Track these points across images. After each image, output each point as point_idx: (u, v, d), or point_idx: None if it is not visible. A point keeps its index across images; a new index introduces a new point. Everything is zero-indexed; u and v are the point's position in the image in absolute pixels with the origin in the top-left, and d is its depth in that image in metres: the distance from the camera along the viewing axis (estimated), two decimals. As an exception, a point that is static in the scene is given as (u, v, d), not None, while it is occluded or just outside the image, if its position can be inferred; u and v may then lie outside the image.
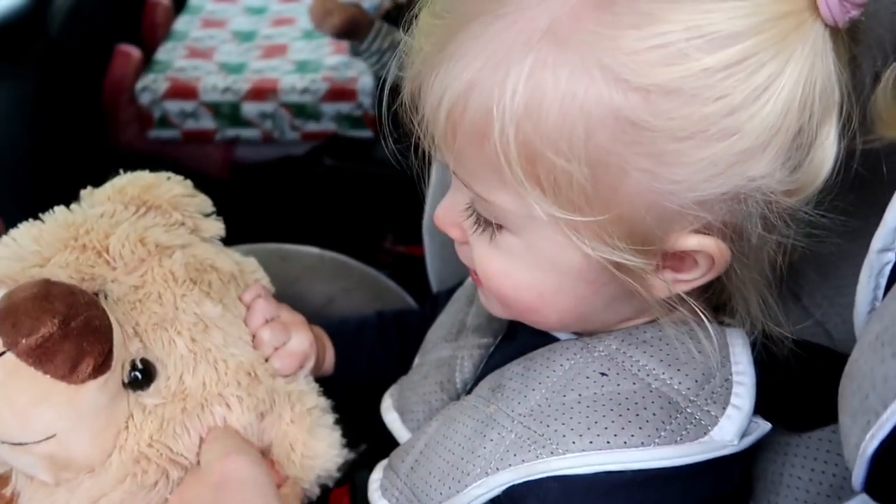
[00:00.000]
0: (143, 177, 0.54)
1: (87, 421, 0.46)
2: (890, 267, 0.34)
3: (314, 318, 0.63)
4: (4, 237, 0.51)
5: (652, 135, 0.34)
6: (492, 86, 0.34)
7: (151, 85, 1.31)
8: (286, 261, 0.75)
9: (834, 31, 0.34)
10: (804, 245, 0.38)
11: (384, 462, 0.52)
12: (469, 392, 0.50)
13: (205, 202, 0.56)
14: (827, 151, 0.35)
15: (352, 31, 1.02)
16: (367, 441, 0.59)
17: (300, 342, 0.55)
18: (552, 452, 0.39)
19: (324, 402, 0.55)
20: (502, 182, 0.36)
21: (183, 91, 1.31)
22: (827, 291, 0.47)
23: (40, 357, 0.43)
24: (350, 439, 0.59)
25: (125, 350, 0.47)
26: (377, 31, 1.02)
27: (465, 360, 0.54)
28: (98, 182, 0.57)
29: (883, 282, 0.35)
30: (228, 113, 1.32)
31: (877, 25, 0.35)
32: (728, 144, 0.34)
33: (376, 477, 0.51)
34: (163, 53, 1.40)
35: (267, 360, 0.53)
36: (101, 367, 0.44)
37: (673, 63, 0.32)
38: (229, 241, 0.62)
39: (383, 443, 0.55)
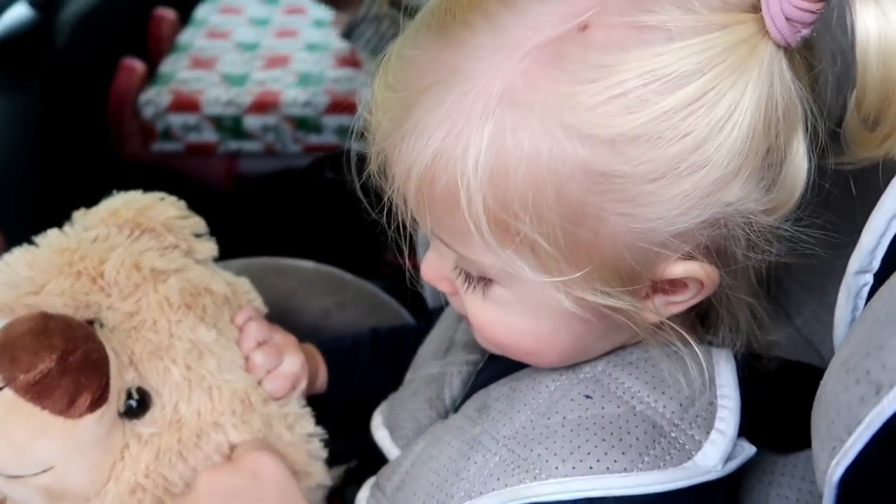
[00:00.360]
0: (137, 199, 0.54)
1: (83, 453, 0.46)
2: (867, 289, 0.34)
3: (309, 332, 0.63)
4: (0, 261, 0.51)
5: (623, 180, 0.34)
6: (454, 158, 0.34)
7: (155, 98, 1.32)
8: (282, 275, 0.76)
9: (788, 49, 0.34)
10: (790, 261, 0.38)
11: (372, 479, 0.52)
12: (457, 409, 0.50)
13: (198, 223, 0.56)
14: (798, 166, 0.36)
15: None
16: (359, 456, 0.59)
17: (292, 364, 0.55)
18: (535, 477, 0.39)
19: (321, 431, 0.55)
20: (482, 244, 0.36)
21: (186, 104, 1.32)
22: (816, 309, 0.47)
23: (38, 393, 0.43)
24: (341, 454, 0.60)
25: (121, 380, 0.47)
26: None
27: (454, 376, 0.55)
28: (102, 195, 0.58)
29: (861, 303, 0.35)
30: (231, 126, 1.33)
31: (824, 31, 0.36)
32: (699, 177, 0.34)
33: (363, 495, 0.51)
34: (167, 66, 1.42)
35: (259, 383, 0.53)
36: (98, 400, 0.44)
37: (634, 110, 0.33)
38: (231, 252, 0.62)
39: (375, 458, 0.55)
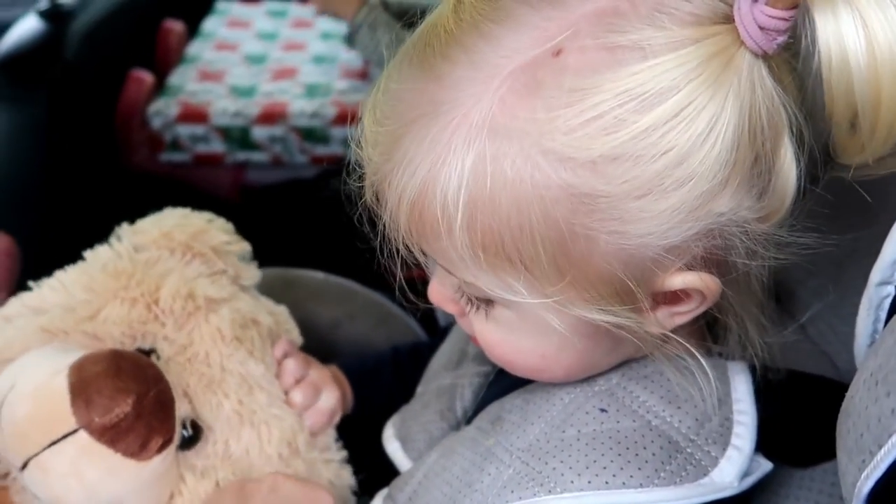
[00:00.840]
0: (192, 222, 0.54)
1: (148, 490, 0.46)
2: (889, 300, 0.34)
3: (319, 342, 0.63)
4: (52, 280, 0.51)
5: (609, 200, 0.34)
6: (439, 187, 0.35)
7: (163, 109, 1.33)
8: (291, 286, 0.75)
9: (766, 56, 0.34)
10: (789, 263, 0.38)
11: (384, 491, 0.52)
12: (469, 421, 0.50)
13: (245, 248, 0.56)
14: (787, 172, 0.36)
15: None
16: (369, 469, 0.59)
17: (329, 399, 0.56)
18: (550, 491, 0.39)
19: (344, 455, 0.55)
20: (475, 269, 0.37)
21: (194, 115, 1.33)
22: (831, 321, 0.47)
23: (113, 437, 0.42)
24: (353, 466, 0.59)
25: (178, 413, 0.47)
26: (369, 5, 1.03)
27: (466, 388, 0.54)
28: (110, 205, 0.57)
29: (883, 315, 0.34)
30: (238, 137, 1.33)
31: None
32: (686, 191, 0.34)
33: (377, 502, 0.51)
34: (175, 78, 1.42)
35: (303, 430, 0.53)
36: (167, 442, 0.45)
37: (612, 131, 0.33)
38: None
39: (385, 471, 0.55)
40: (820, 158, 0.37)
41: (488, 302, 0.40)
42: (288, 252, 0.84)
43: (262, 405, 0.49)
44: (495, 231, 0.35)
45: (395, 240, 0.39)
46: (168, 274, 0.50)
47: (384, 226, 0.39)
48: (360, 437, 0.59)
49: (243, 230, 1.22)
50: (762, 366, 0.43)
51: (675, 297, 0.39)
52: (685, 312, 0.39)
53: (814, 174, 0.37)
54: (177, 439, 0.47)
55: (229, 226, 0.56)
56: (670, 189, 0.34)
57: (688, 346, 0.40)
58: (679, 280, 0.37)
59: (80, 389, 0.43)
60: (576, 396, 0.43)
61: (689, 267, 0.37)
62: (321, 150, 1.33)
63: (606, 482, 0.38)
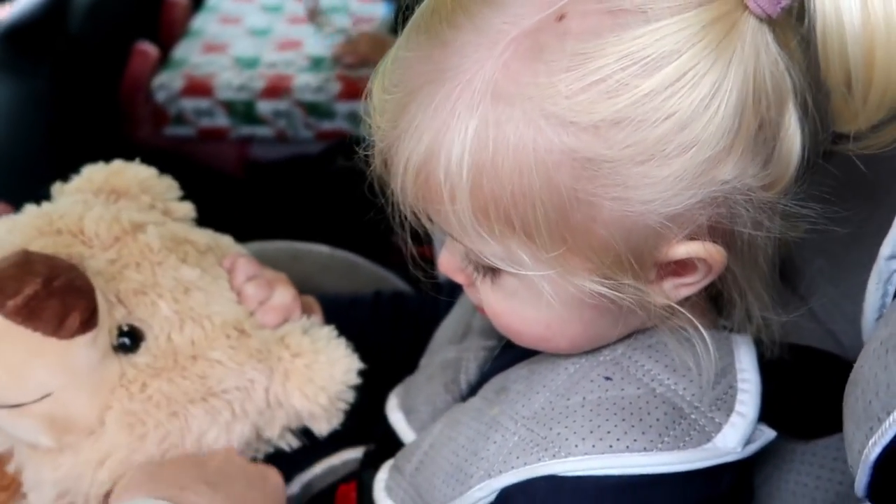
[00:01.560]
0: (110, 165, 0.57)
1: (81, 378, 0.47)
2: (898, 274, 0.34)
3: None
4: None
5: (611, 165, 0.34)
6: (443, 153, 0.35)
7: (168, 83, 1.32)
8: (297, 259, 0.76)
9: (771, 21, 0.34)
10: (796, 238, 0.38)
11: (390, 462, 0.52)
12: (473, 393, 0.51)
13: (172, 186, 0.58)
14: (792, 138, 0.36)
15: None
16: (374, 441, 0.60)
17: (283, 296, 0.56)
18: (554, 455, 0.39)
19: (327, 331, 0.56)
20: (478, 236, 0.37)
21: (198, 89, 1.32)
22: (836, 298, 0.47)
23: (28, 315, 0.45)
24: (357, 439, 0.60)
25: (110, 317, 0.49)
26: None
27: (471, 361, 0.55)
28: None
29: (891, 289, 0.35)
30: (243, 111, 1.33)
31: None
32: (689, 157, 0.34)
33: (382, 477, 0.51)
34: (179, 51, 1.41)
35: (252, 315, 0.54)
36: (88, 322, 0.46)
37: (614, 95, 0.33)
38: (243, 237, 0.63)
39: (389, 443, 0.55)
40: (821, 126, 0.37)
41: (494, 271, 0.40)
42: (292, 227, 0.85)
43: (201, 303, 0.51)
44: (498, 196, 0.35)
45: (404, 207, 0.39)
46: (91, 208, 0.53)
47: (392, 193, 0.39)
48: (364, 408, 0.60)
49: (248, 205, 1.22)
50: (769, 340, 0.43)
51: (680, 268, 0.39)
52: (691, 284, 0.39)
53: (820, 144, 0.37)
54: (112, 339, 0.49)
55: (152, 168, 0.58)
56: (673, 155, 0.34)
57: (692, 318, 0.40)
58: (683, 249, 0.37)
59: None
60: (581, 366, 0.43)
61: (694, 236, 0.37)
62: (326, 126, 1.33)
63: (610, 446, 0.39)
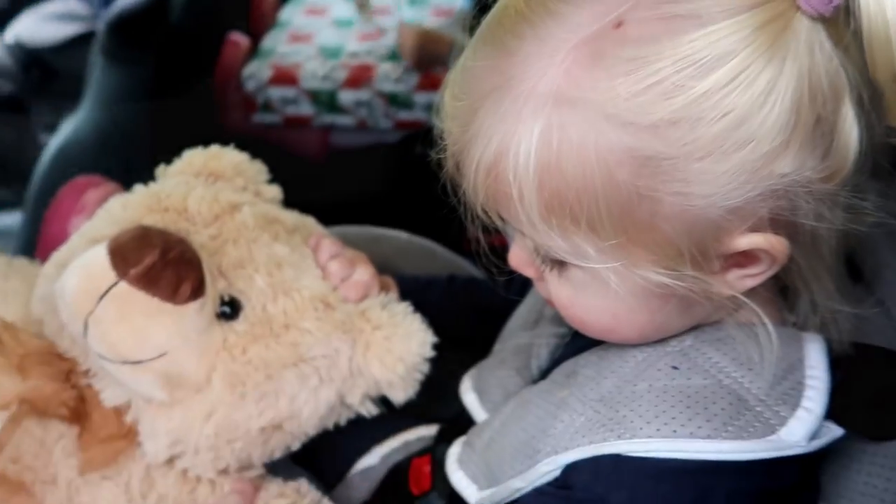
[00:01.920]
0: (208, 149, 0.63)
1: (191, 341, 0.53)
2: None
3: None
4: (99, 210, 0.60)
5: (671, 162, 0.36)
6: (510, 156, 0.38)
7: (256, 72, 1.39)
8: (377, 243, 0.79)
9: (825, 19, 0.35)
10: (866, 232, 0.39)
11: (463, 438, 0.55)
12: (544, 378, 0.53)
13: (262, 170, 0.64)
14: (849, 132, 0.37)
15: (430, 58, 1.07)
16: (447, 420, 0.63)
17: (363, 273, 0.60)
18: (619, 436, 0.41)
19: (404, 306, 0.61)
20: (545, 232, 0.39)
21: (285, 78, 1.38)
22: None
23: (148, 283, 0.51)
24: (430, 418, 0.64)
25: (214, 287, 0.54)
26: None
27: (542, 347, 0.57)
28: None
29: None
30: (326, 100, 1.38)
31: None
32: (747, 152, 0.35)
33: (454, 451, 0.55)
34: (268, 42, 1.48)
35: (335, 290, 0.59)
36: (197, 290, 0.52)
37: (671, 96, 0.35)
38: (325, 221, 0.67)
39: (462, 422, 0.59)
40: (878, 120, 0.37)
41: (562, 264, 0.42)
42: (372, 213, 0.89)
43: (291, 278, 0.56)
44: (563, 195, 0.37)
45: (475, 206, 0.42)
46: (193, 188, 0.58)
47: (464, 193, 0.42)
48: (439, 390, 0.63)
49: (329, 190, 1.27)
50: (837, 335, 0.44)
51: (744, 260, 0.40)
52: (755, 275, 0.40)
53: (877, 137, 0.38)
54: (215, 307, 0.54)
55: (244, 154, 0.64)
56: (731, 151, 0.35)
57: (758, 310, 0.41)
58: (745, 241, 0.38)
59: (116, 251, 0.51)
60: (648, 355, 0.45)
61: (756, 228, 0.38)
62: (404, 115, 1.37)
63: (674, 431, 0.40)
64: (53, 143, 1.24)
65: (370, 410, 0.59)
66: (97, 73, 1.30)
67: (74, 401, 0.55)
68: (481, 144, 0.39)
